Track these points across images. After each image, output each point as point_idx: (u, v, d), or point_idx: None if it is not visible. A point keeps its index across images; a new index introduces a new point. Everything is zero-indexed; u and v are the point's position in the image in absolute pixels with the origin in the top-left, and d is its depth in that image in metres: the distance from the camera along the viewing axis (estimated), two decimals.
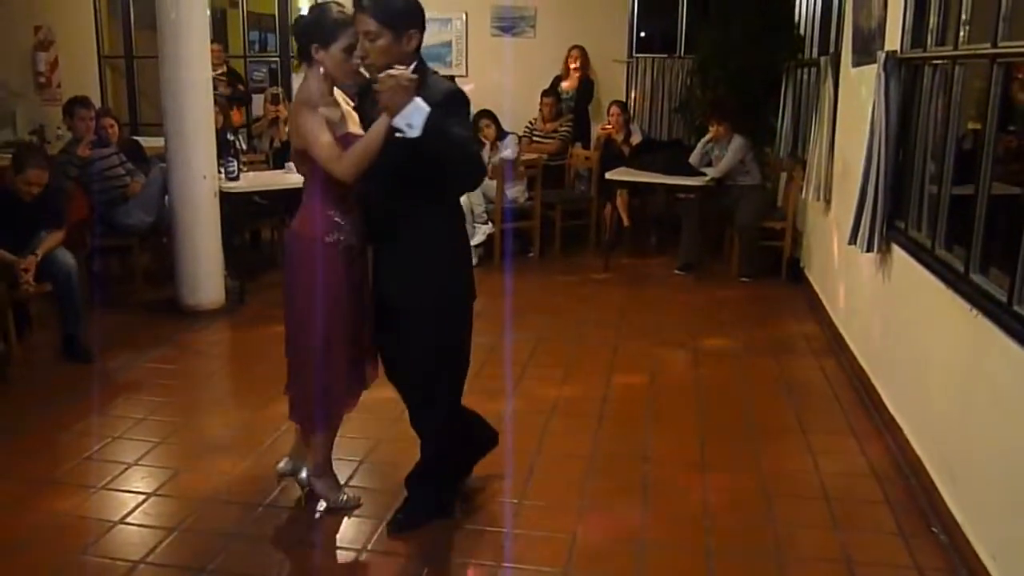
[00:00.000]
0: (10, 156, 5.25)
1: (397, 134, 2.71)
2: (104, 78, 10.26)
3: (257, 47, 10.51)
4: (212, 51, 8.82)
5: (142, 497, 3.49)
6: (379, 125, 2.76)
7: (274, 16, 10.35)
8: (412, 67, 2.82)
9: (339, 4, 2.99)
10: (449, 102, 2.82)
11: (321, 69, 2.93)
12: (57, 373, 4.92)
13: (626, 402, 4.57)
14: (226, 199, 5.98)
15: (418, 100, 2.68)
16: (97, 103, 7.47)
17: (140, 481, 3.63)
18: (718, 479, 3.67)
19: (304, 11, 9.02)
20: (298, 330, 3.18)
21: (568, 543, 3.18)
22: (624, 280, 7.13)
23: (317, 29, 2.92)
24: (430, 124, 2.68)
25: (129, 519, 3.32)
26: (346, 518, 3.35)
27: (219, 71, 9.00)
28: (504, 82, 8.84)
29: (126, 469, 3.73)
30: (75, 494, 3.50)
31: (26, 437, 4.08)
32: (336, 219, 3.03)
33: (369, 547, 3.16)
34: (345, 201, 3.04)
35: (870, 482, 3.68)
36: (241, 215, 6.49)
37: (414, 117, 2.68)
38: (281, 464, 3.48)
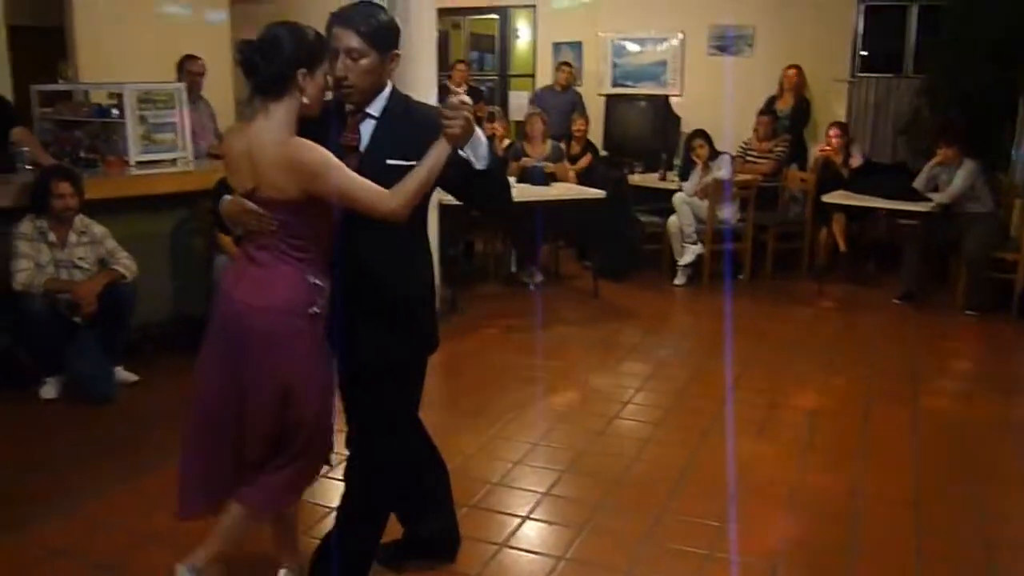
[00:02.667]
0: None
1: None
2: None
3: (476, 67, 10.89)
4: (459, 70, 9.33)
5: None
6: (439, 155, 2.43)
7: (493, 36, 10.71)
8: (389, 92, 2.59)
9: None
10: None
11: (304, 99, 2.47)
12: None
13: (836, 434, 4.42)
14: (445, 211, 6.24)
15: (479, 130, 2.49)
16: None
17: None
18: (933, 522, 3.48)
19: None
20: (257, 419, 2.59)
21: (769, 572, 3.12)
22: (838, 307, 6.88)
23: (303, 52, 2.45)
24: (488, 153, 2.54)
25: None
26: (541, 524, 3.44)
27: (460, 89, 9.43)
28: (719, 101, 8.75)
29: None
30: None
31: None
32: (317, 283, 2.55)
33: (568, 555, 3.23)
34: (327, 259, 2.58)
35: None
36: (458, 226, 6.75)
37: (479, 148, 2.51)
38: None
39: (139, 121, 5.53)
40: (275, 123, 2.45)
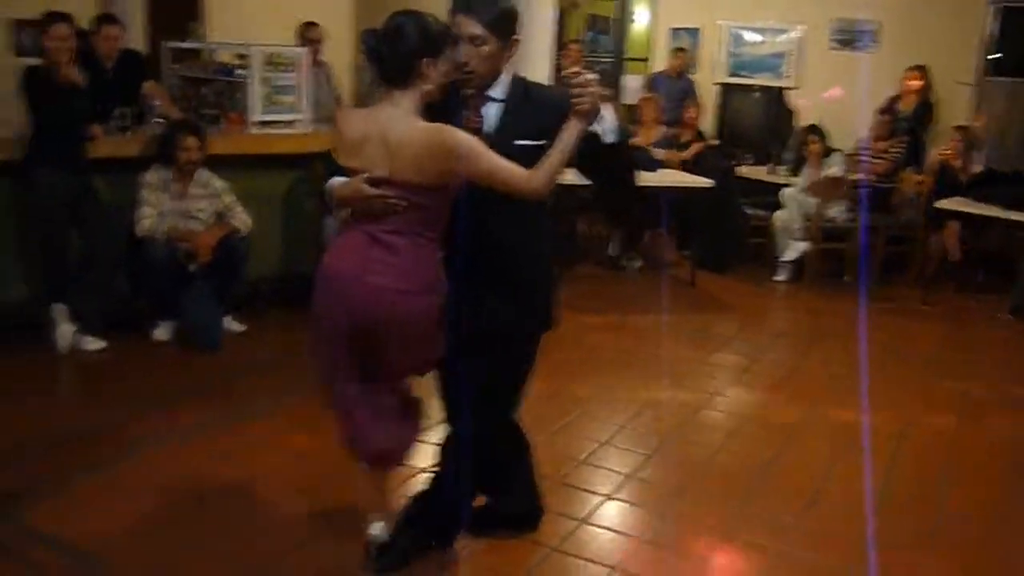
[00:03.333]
0: None
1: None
2: None
3: (590, 48, 10.85)
4: (572, 50, 9.37)
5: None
6: (572, 133, 2.48)
7: (609, 18, 10.66)
8: (512, 75, 2.67)
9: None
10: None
11: (428, 85, 2.55)
12: None
13: (926, 446, 4.33)
14: (554, 190, 6.29)
15: (603, 105, 2.54)
16: None
17: None
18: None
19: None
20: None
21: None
22: (944, 316, 6.69)
23: (427, 41, 2.52)
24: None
25: None
26: (622, 504, 3.49)
27: (573, 70, 9.43)
28: (837, 97, 8.55)
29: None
30: None
31: None
32: (440, 273, 2.68)
33: (646, 537, 3.28)
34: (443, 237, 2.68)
35: None
36: (565, 207, 6.78)
37: (604, 122, 2.55)
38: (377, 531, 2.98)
39: (262, 82, 5.73)
40: (403, 111, 2.53)
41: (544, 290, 2.86)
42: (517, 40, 2.63)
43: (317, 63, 6.72)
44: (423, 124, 2.52)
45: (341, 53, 8.68)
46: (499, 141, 2.57)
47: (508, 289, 2.73)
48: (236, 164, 5.29)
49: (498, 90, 2.65)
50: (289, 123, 5.82)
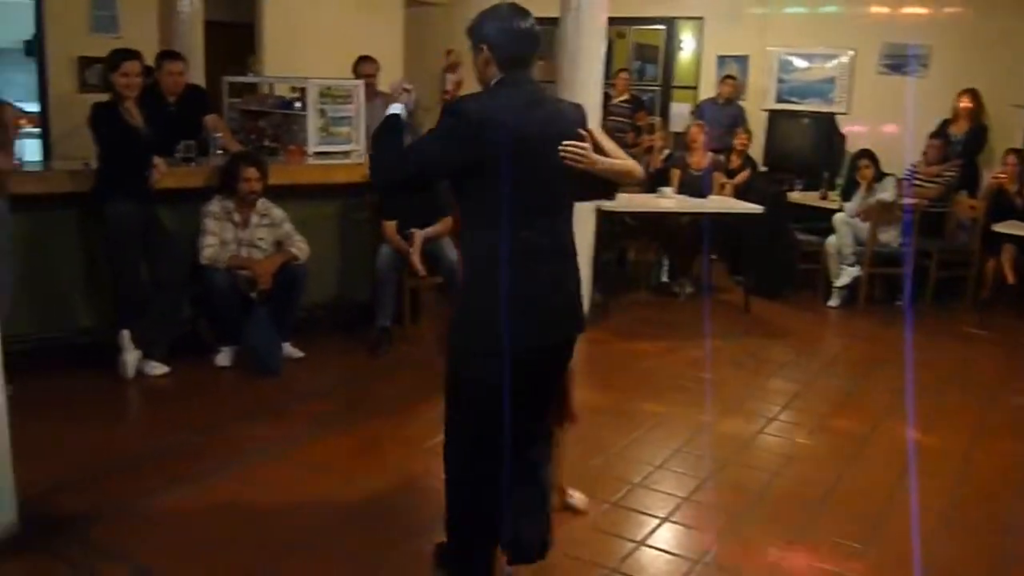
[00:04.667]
0: None
1: None
2: None
3: (637, 76, 10.92)
4: (621, 79, 9.47)
5: None
6: None
7: (657, 47, 10.73)
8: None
9: None
10: None
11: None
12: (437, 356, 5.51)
13: (992, 468, 4.28)
14: (602, 217, 6.35)
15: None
16: None
17: None
18: None
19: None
20: None
21: None
22: (1001, 340, 6.60)
23: None
24: None
25: None
26: (679, 527, 3.50)
27: (622, 98, 9.54)
28: (888, 121, 8.52)
29: None
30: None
31: (410, 407, 4.64)
32: None
33: (704, 560, 3.28)
34: None
35: None
36: (613, 234, 6.84)
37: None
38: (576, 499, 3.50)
39: (319, 114, 5.87)
40: None
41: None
42: (481, 48, 2.67)
43: (375, 94, 6.86)
44: None
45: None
46: None
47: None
48: (294, 193, 5.43)
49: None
50: (345, 153, 5.95)
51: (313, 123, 5.83)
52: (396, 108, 2.80)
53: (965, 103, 8.21)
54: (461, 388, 2.76)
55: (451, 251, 5.57)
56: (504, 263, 2.58)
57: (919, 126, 8.26)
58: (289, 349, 5.23)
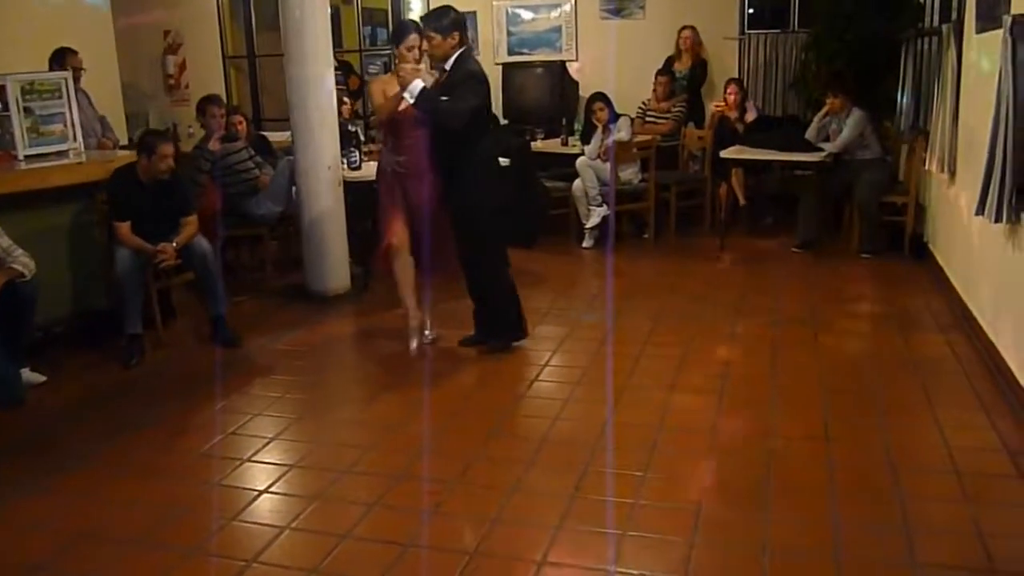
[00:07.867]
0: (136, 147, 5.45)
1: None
2: (229, 77, 10.77)
3: (369, 41, 10.77)
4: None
5: (284, 468, 3.71)
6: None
7: (386, 11, 10.59)
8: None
9: None
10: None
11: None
12: (199, 357, 5.23)
13: (747, 380, 4.57)
14: (349, 188, 6.21)
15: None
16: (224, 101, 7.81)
17: (282, 453, 3.86)
18: (843, 454, 3.65)
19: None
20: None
21: (693, 514, 3.23)
22: (741, 259, 7.08)
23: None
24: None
25: (273, 488, 3.54)
26: (470, 489, 3.49)
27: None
28: (615, 64, 8.85)
29: (267, 443, 3.97)
30: (225, 466, 3.75)
31: (176, 415, 4.37)
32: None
33: (499, 517, 3.29)
34: None
35: (1002, 457, 3.60)
36: (363, 203, 6.70)
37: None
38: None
39: (25, 113, 5.34)
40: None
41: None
42: (455, 34, 4.58)
43: (76, 91, 6.30)
44: None
45: (110, 78, 8.33)
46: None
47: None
48: (9, 204, 4.89)
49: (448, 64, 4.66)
50: (61, 153, 5.45)
51: (19, 123, 5.30)
52: (419, 85, 4.46)
53: (685, 40, 8.67)
54: (486, 225, 4.79)
55: (202, 241, 5.29)
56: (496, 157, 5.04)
57: (645, 65, 8.65)
58: (28, 375, 4.76)
